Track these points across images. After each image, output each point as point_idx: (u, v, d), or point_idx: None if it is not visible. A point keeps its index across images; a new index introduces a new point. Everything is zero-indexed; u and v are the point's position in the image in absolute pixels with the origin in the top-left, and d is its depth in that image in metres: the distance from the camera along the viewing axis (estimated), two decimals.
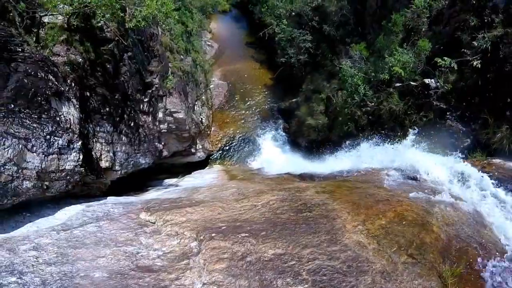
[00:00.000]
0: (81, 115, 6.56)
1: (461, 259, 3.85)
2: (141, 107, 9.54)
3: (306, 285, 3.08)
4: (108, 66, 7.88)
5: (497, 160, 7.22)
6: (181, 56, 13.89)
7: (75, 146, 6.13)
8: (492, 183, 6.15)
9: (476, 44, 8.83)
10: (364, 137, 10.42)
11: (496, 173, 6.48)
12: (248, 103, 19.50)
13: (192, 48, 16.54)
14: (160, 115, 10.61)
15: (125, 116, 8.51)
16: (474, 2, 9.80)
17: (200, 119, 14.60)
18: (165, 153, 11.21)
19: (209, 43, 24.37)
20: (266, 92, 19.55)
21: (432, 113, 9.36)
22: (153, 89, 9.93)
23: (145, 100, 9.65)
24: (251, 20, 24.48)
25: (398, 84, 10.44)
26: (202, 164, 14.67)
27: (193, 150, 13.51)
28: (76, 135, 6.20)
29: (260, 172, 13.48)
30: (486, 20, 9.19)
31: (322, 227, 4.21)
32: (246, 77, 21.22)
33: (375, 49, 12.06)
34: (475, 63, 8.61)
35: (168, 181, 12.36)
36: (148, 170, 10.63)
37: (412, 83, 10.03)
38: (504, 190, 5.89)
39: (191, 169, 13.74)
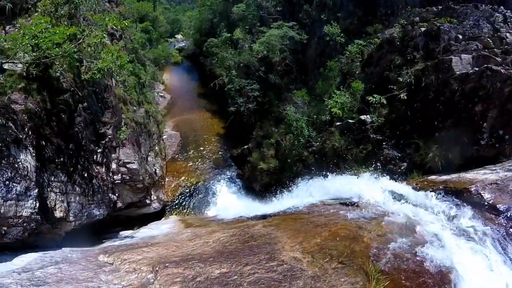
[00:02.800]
0: (37, 164, 6.68)
1: (389, 259, 4.20)
2: (94, 158, 9.57)
3: None
4: (63, 116, 8.05)
5: (432, 176, 7.62)
6: (134, 108, 14.02)
7: (32, 193, 6.25)
8: (424, 195, 6.52)
9: (402, 80, 9.71)
10: (311, 174, 10.46)
11: (425, 187, 6.93)
12: (201, 152, 19.42)
13: (145, 100, 16.74)
14: (114, 166, 10.69)
15: (79, 166, 8.59)
16: (398, 43, 11.12)
17: (154, 170, 14.43)
18: (119, 204, 11.02)
19: (162, 94, 24.67)
20: (218, 141, 19.65)
21: (370, 145, 9.76)
22: (106, 140, 10.09)
23: (98, 150, 9.74)
24: (202, 72, 25.51)
25: (338, 123, 10.91)
26: (158, 215, 14.19)
27: (148, 201, 13.26)
28: (33, 183, 6.32)
29: (215, 218, 13.06)
30: (409, 58, 10.32)
31: (263, 250, 4.49)
32: (198, 127, 21.38)
33: (316, 93, 12.82)
34: (402, 96, 9.39)
35: (123, 233, 11.83)
36: (103, 222, 10.38)
37: (350, 121, 10.54)
38: (432, 199, 6.28)
39: (147, 221, 13.18)
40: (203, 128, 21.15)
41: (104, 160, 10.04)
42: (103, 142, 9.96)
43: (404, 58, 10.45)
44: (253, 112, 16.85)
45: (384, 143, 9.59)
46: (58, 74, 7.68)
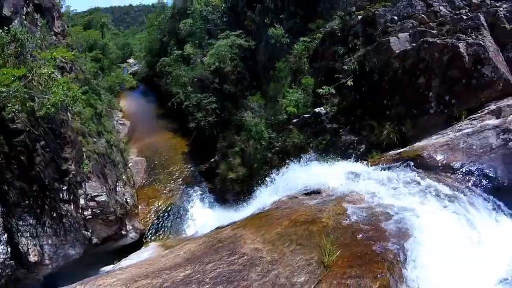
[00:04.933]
0: (2, 209, 6.74)
1: (346, 232, 4.32)
2: (61, 196, 9.45)
3: (207, 286, 3.49)
4: (22, 158, 8.01)
5: (389, 152, 7.73)
6: (94, 139, 13.68)
7: (1, 239, 6.34)
8: (380, 170, 6.73)
9: (346, 68, 9.97)
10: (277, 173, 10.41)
11: (382, 163, 7.15)
12: (170, 173, 18.94)
13: (104, 129, 16.20)
14: (82, 201, 10.53)
15: (46, 207, 8.53)
16: (339, 34, 11.46)
17: (124, 199, 14.01)
18: (94, 240, 10.80)
19: (121, 122, 23.89)
20: (185, 159, 19.19)
21: (328, 135, 9.85)
22: (70, 176, 9.95)
23: (63, 188, 9.62)
24: (159, 93, 25.06)
25: (295, 120, 10.95)
26: (137, 245, 13.67)
27: (124, 232, 12.90)
28: (0, 228, 6.42)
29: (194, 236, 12.74)
30: (350, 46, 10.71)
31: (226, 248, 4.51)
32: (163, 149, 20.83)
33: (270, 95, 12.88)
34: (348, 83, 9.60)
35: (104, 268, 11.46)
36: (83, 262, 10.02)
37: (305, 115, 10.61)
38: (387, 172, 6.49)
39: (127, 253, 12.62)
40: (167, 149, 20.63)
41: (71, 197, 9.92)
42: (67, 178, 9.81)
43: (347, 47, 10.80)
44: (214, 125, 16.65)
45: (340, 130, 9.72)
46: (11, 115, 7.64)
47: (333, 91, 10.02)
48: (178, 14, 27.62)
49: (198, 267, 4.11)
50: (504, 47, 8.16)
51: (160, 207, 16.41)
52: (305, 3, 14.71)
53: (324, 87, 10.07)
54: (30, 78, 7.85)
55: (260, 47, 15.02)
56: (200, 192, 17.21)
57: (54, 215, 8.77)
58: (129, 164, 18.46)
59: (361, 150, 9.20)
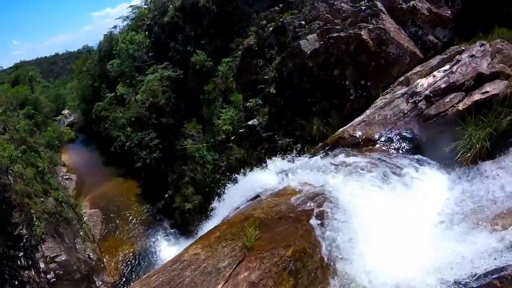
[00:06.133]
0: None
1: (273, 218, 4.58)
2: (19, 263, 9.08)
3: None
4: None
5: (319, 144, 7.98)
6: (41, 199, 13.06)
7: None
8: (309, 160, 6.94)
9: (267, 77, 10.47)
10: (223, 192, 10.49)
11: (314, 153, 7.40)
12: (128, 219, 18.18)
13: (50, 187, 15.34)
14: (42, 265, 10.13)
15: (5, 276, 8.20)
16: (256, 48, 12.02)
17: (86, 255, 13.60)
18: None
19: (67, 177, 22.50)
20: (140, 201, 18.45)
21: (266, 143, 10.15)
22: (24, 240, 9.56)
23: (20, 254, 9.23)
24: (99, 139, 24.07)
25: (233, 137, 11.16)
26: None
27: None
28: None
29: None
30: (268, 57, 11.27)
31: (171, 261, 4.47)
32: (115, 196, 19.88)
33: (206, 119, 13.01)
34: (271, 91, 10.06)
35: None
36: None
37: (241, 130, 10.86)
38: (314, 161, 6.69)
39: None
40: (120, 195, 19.72)
41: (30, 262, 9.52)
42: (21, 244, 9.44)
43: (265, 58, 11.36)
44: (160, 160, 16.30)
45: (276, 136, 10.05)
46: None
47: (260, 101, 10.40)
48: (105, 56, 27.13)
49: (144, 281, 4.17)
50: (405, 25, 9.00)
51: (126, 256, 15.82)
52: (222, 25, 15.31)
53: (251, 100, 10.43)
54: None
55: (188, 74, 15.20)
56: (162, 231, 16.82)
57: (16, 283, 8.44)
58: (84, 219, 17.77)
59: (297, 148, 9.60)
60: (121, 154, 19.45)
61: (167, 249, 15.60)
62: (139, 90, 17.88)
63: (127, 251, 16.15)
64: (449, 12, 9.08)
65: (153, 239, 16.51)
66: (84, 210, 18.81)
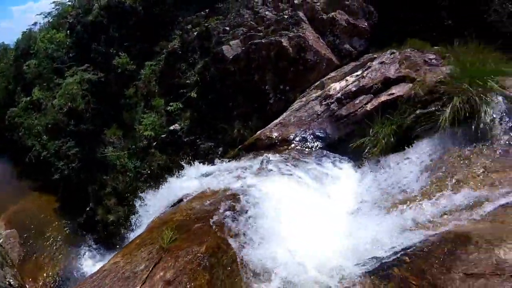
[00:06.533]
0: None
1: (191, 219, 4.64)
2: None
3: None
4: None
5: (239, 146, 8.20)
6: None
7: None
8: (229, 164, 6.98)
9: (190, 81, 10.32)
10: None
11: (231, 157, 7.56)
12: (48, 238, 16.17)
13: None
14: None
15: None
16: (180, 52, 11.77)
17: (7, 282, 11.55)
18: None
19: None
20: (60, 216, 16.57)
21: (188, 148, 9.95)
22: None
23: None
24: (14, 149, 21.29)
25: (154, 143, 10.72)
26: None
27: None
28: None
29: None
30: (191, 61, 11.17)
31: (91, 274, 4.42)
32: (33, 213, 17.62)
33: (127, 125, 12.31)
34: (193, 95, 9.92)
35: None
36: None
37: (163, 136, 10.48)
38: (232, 163, 6.82)
39: None
40: (38, 211, 17.56)
41: None
42: None
43: (188, 63, 11.19)
44: (79, 170, 14.94)
45: (198, 140, 9.97)
46: None
47: (181, 106, 10.16)
48: (23, 56, 24.24)
49: None
50: (324, 34, 9.57)
51: (50, 278, 14.06)
52: (148, 28, 14.71)
53: (171, 103, 10.15)
54: None
55: (110, 78, 14.27)
56: (87, 247, 15.30)
57: None
58: (0, 240, 15.52)
59: (219, 152, 9.61)
60: (37, 165, 17.42)
61: (93, 265, 14.21)
62: (57, 94, 16.30)
63: (50, 273, 14.46)
64: (366, 24, 9.98)
65: (78, 257, 15.04)
66: None
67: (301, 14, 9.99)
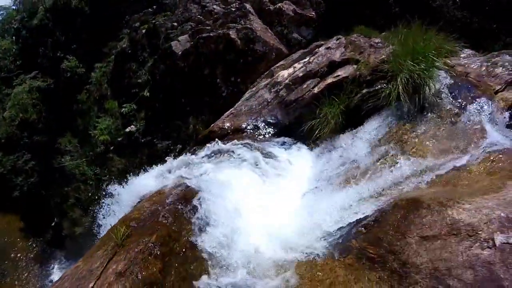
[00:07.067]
0: None
1: (146, 216, 4.50)
2: None
3: None
4: None
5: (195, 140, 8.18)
6: None
7: None
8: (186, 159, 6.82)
9: (141, 81, 9.98)
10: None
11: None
12: (15, 261, 15.37)
13: None
14: None
15: None
16: (129, 51, 11.36)
17: None
18: None
19: None
20: (25, 236, 15.67)
21: (146, 148, 9.69)
22: None
23: None
24: None
25: (112, 148, 10.34)
26: None
27: None
28: None
29: None
30: (141, 60, 10.85)
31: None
32: None
33: (81, 131, 11.80)
34: (145, 94, 9.61)
35: None
36: None
37: (119, 139, 10.12)
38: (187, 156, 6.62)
39: None
40: (1, 234, 16.67)
41: None
42: None
43: (138, 62, 10.78)
44: (39, 184, 14.23)
45: (155, 140, 9.69)
46: None
47: (135, 106, 9.82)
48: None
49: None
50: (272, 25, 9.56)
51: None
52: (95, 29, 14.01)
53: (125, 105, 9.78)
54: None
55: (59, 83, 13.54)
56: (57, 264, 14.69)
57: None
58: None
59: (177, 149, 9.41)
60: None
61: None
62: (7, 105, 15.31)
63: None
64: (314, 13, 10.03)
65: (49, 277, 14.46)
66: None
67: (248, 6, 9.93)
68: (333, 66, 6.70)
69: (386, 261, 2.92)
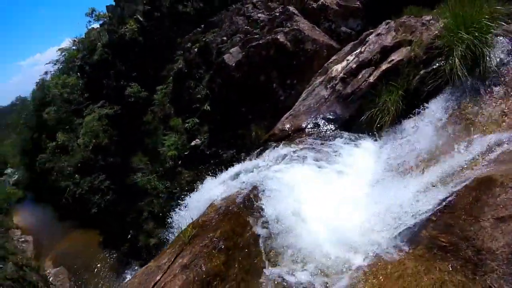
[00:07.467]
0: None
1: (211, 217, 4.67)
2: None
3: None
4: None
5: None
6: (0, 265, 12.65)
7: None
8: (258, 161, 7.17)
9: (200, 96, 10.63)
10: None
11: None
12: (96, 271, 17.00)
13: (6, 253, 14.17)
14: None
15: None
16: (186, 71, 12.16)
17: None
18: None
19: (22, 239, 20.65)
20: (104, 249, 17.40)
21: (212, 159, 10.25)
22: None
23: None
24: (49, 193, 22.49)
25: (180, 162, 11.11)
26: None
27: None
28: None
29: None
30: (197, 77, 11.48)
31: None
32: (78, 249, 18.58)
33: (150, 149, 12.82)
34: (206, 107, 10.23)
35: None
36: None
37: (186, 153, 10.86)
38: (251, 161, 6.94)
39: None
40: (82, 247, 18.48)
41: None
42: None
43: (195, 79, 11.54)
44: (114, 201, 15.64)
45: (220, 151, 10.20)
46: None
47: (197, 121, 10.50)
48: (41, 105, 25.69)
49: None
50: (319, 22, 9.58)
51: None
52: (150, 55, 15.30)
53: (188, 120, 10.50)
54: None
55: (125, 109, 14.93)
56: (132, 273, 16.09)
57: None
58: (50, 279, 16.41)
59: (242, 157, 9.77)
60: (74, 204, 18.38)
61: None
62: (80, 133, 17.18)
63: None
64: (358, 2, 9.83)
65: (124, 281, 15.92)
66: (48, 270, 17.35)
67: (291, 8, 10.04)
68: (385, 51, 6.47)
69: (459, 249, 2.72)
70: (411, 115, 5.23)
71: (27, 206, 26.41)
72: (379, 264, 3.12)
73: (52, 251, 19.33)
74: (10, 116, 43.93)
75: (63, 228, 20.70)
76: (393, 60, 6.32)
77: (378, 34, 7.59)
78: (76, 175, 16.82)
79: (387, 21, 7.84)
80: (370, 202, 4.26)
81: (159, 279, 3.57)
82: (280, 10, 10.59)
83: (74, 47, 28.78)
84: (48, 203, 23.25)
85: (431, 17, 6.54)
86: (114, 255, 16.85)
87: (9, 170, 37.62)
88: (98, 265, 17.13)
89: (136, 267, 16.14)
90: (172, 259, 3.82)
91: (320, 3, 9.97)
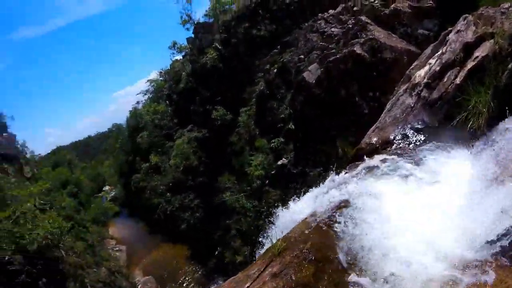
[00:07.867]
0: None
1: (301, 232, 4.68)
2: None
3: None
4: None
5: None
6: (94, 269, 13.71)
7: None
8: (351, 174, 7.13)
9: (284, 116, 10.92)
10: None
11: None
12: (182, 283, 18.21)
13: (101, 259, 15.94)
14: None
15: None
16: (267, 92, 12.68)
17: None
18: None
19: (117, 248, 23.34)
20: (191, 263, 18.50)
21: (299, 177, 10.25)
22: None
23: None
24: (142, 210, 25.00)
25: (267, 181, 11.42)
26: None
27: None
28: None
29: None
30: (279, 97, 11.89)
31: None
32: (166, 261, 20.14)
33: (237, 170, 13.48)
34: (290, 127, 10.43)
35: None
36: None
37: (272, 172, 11.14)
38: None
39: None
40: (170, 260, 19.94)
41: None
42: None
43: (276, 99, 11.94)
44: (203, 219, 16.69)
45: (306, 169, 10.18)
46: (7, 258, 8.29)
47: (282, 140, 10.74)
48: (134, 131, 29.22)
49: None
50: (393, 28, 8.97)
51: None
52: (231, 80, 16.42)
53: (273, 140, 10.81)
54: (15, 217, 8.67)
55: (212, 132, 16.10)
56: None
57: None
58: (139, 286, 17.92)
59: (330, 173, 9.57)
60: (165, 220, 20.08)
61: None
62: (171, 155, 18.96)
63: None
64: (431, 1, 9.18)
65: None
66: (137, 278, 19.00)
67: (363, 18, 9.66)
68: (468, 48, 5.82)
69: None
70: (505, 116, 4.69)
71: (122, 219, 29.79)
72: (477, 281, 2.88)
73: (143, 261, 21.29)
74: (108, 141, 51.07)
75: (154, 241, 22.74)
76: (477, 57, 5.72)
77: (458, 31, 6.95)
78: (168, 194, 18.50)
79: (465, 15, 7.15)
80: (464, 215, 3.93)
81: (248, 286, 3.64)
82: (353, 21, 10.37)
83: (161, 78, 32.52)
84: (141, 218, 25.90)
85: (509, 4, 5.94)
86: (200, 270, 17.77)
87: (106, 188, 43.39)
88: (185, 278, 18.27)
89: (221, 283, 16.83)
90: (262, 269, 3.90)
91: (391, 8, 9.54)
